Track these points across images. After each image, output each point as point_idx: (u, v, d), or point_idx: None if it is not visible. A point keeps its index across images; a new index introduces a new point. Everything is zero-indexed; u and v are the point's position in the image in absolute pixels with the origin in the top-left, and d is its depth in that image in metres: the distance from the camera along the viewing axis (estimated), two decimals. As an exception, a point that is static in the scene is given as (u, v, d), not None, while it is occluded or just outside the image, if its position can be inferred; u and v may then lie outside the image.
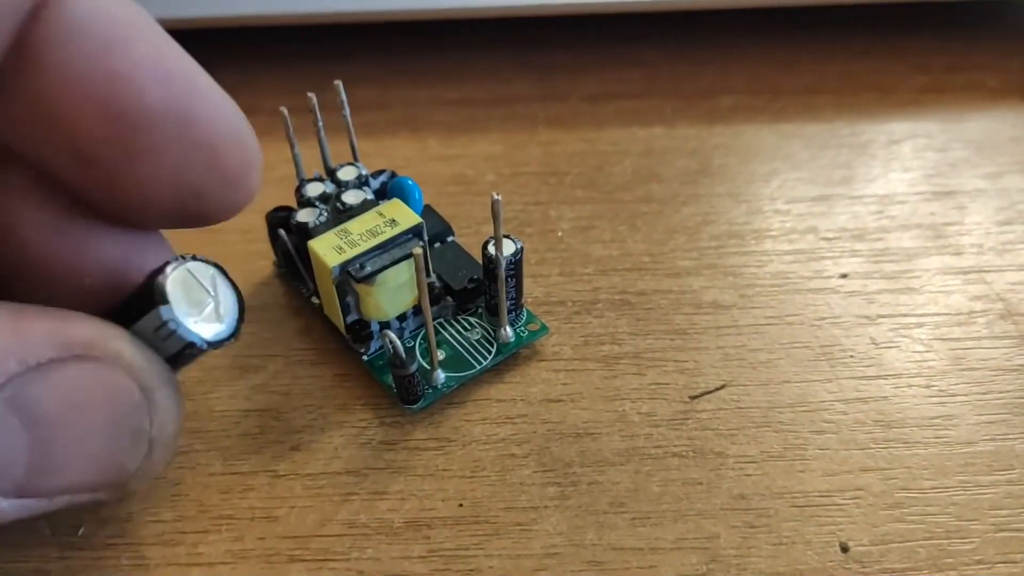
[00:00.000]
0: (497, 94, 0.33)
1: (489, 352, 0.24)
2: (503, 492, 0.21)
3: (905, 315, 0.25)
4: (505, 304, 0.23)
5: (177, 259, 0.18)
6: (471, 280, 0.24)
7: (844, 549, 0.20)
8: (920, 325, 0.25)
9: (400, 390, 0.22)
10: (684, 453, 0.22)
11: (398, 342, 0.21)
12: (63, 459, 0.17)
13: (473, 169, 0.30)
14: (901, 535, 0.21)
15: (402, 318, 0.24)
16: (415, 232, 0.22)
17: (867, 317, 0.25)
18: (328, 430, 0.23)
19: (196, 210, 0.18)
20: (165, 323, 0.17)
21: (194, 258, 0.18)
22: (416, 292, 0.22)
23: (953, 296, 0.26)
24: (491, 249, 0.23)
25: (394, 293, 0.22)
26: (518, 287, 0.24)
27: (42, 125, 0.17)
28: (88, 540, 0.21)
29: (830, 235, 0.27)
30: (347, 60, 0.35)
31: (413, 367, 0.22)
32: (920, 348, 0.24)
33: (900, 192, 0.29)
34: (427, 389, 0.23)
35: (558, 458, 0.22)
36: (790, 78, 0.34)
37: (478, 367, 0.23)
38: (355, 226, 0.22)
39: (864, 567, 0.20)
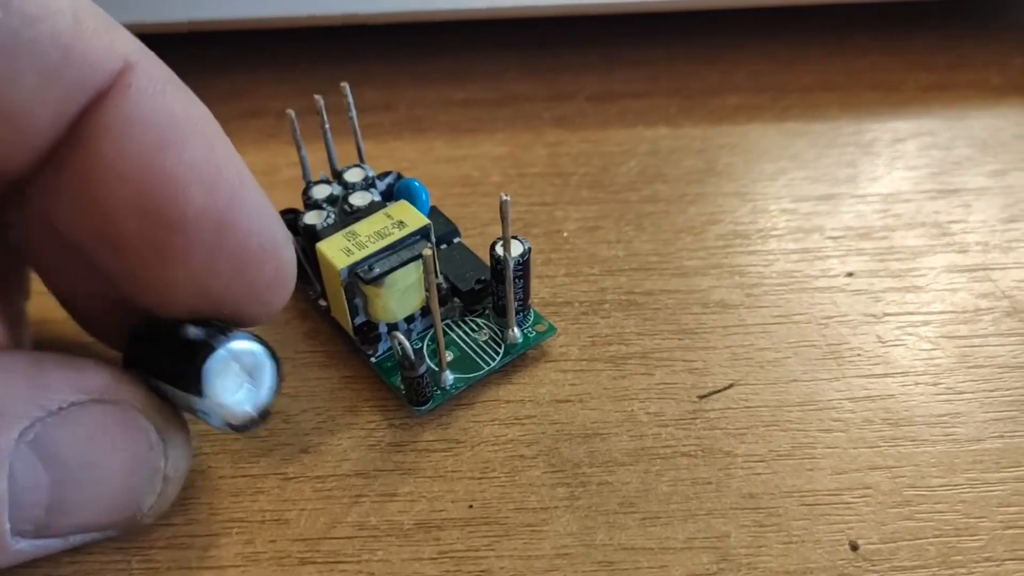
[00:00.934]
0: (502, 95, 0.33)
1: (497, 353, 0.24)
2: (513, 493, 0.22)
3: (912, 313, 0.25)
4: (513, 305, 0.23)
5: (223, 337, 0.18)
6: (478, 281, 0.24)
7: (854, 547, 0.20)
8: (927, 323, 0.25)
9: (409, 392, 0.22)
10: (693, 453, 0.22)
11: (407, 344, 0.21)
12: (82, 499, 0.18)
13: (479, 170, 0.30)
14: (910, 533, 0.21)
15: (410, 320, 0.24)
16: (423, 233, 0.23)
17: (873, 315, 0.25)
18: (337, 432, 0.23)
19: (220, 314, 0.19)
20: (198, 411, 0.18)
21: (241, 336, 0.19)
22: (424, 294, 0.23)
23: (959, 294, 0.26)
24: (499, 250, 0.23)
25: (402, 295, 0.22)
26: (525, 288, 0.24)
27: (83, 209, 0.17)
28: (98, 544, 0.21)
29: (836, 234, 0.27)
30: (353, 61, 0.35)
31: (422, 369, 0.22)
32: (927, 346, 0.24)
33: (905, 190, 0.29)
34: (436, 391, 0.23)
35: (567, 459, 0.22)
36: (795, 76, 0.34)
37: (486, 368, 0.23)
38: (363, 228, 0.23)
39: (874, 565, 0.20)
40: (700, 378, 0.24)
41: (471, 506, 0.21)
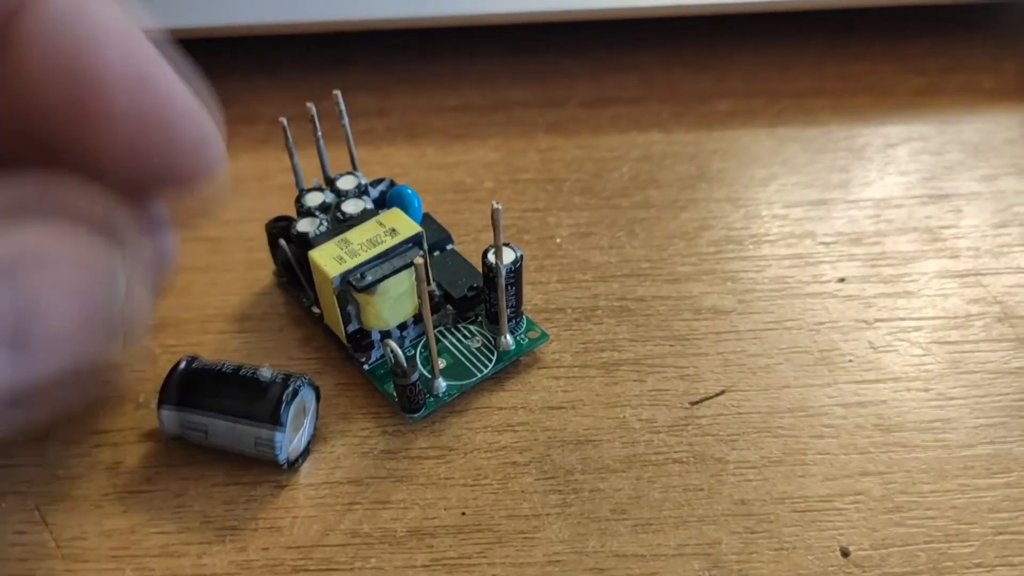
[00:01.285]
0: (495, 100, 0.33)
1: (489, 360, 0.24)
2: (505, 500, 0.22)
3: (903, 319, 0.25)
4: (505, 312, 0.23)
5: (297, 378, 0.22)
6: (471, 288, 0.24)
7: (845, 554, 0.20)
8: (918, 329, 0.25)
9: (402, 399, 0.23)
10: (685, 459, 0.22)
11: (399, 351, 0.21)
12: (47, 303, 0.17)
13: (471, 176, 0.30)
14: (901, 539, 0.21)
15: (402, 327, 0.24)
16: (415, 241, 0.23)
17: (865, 321, 0.25)
18: (330, 440, 0.23)
19: (157, 178, 0.19)
20: (264, 444, 0.21)
21: (306, 381, 0.22)
22: (416, 301, 0.23)
23: (950, 299, 0.26)
24: (491, 257, 0.23)
25: (395, 302, 0.22)
26: (518, 295, 0.24)
27: (11, 99, 0.18)
28: (93, 552, 0.21)
29: (827, 239, 0.28)
30: (346, 68, 0.35)
31: (415, 376, 0.22)
32: (918, 352, 0.24)
33: (896, 196, 0.29)
34: (428, 398, 0.23)
35: (559, 465, 0.22)
36: (787, 81, 0.34)
37: (479, 375, 0.24)
38: (355, 236, 0.23)
39: (865, 571, 0.20)
40: (692, 384, 0.24)
41: (464, 513, 0.21)
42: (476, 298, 0.24)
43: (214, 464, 0.22)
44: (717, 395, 0.24)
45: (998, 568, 0.20)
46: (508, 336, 0.24)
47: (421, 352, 0.24)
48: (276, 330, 0.26)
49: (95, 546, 0.21)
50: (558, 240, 0.28)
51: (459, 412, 0.23)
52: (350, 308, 0.23)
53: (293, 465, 0.22)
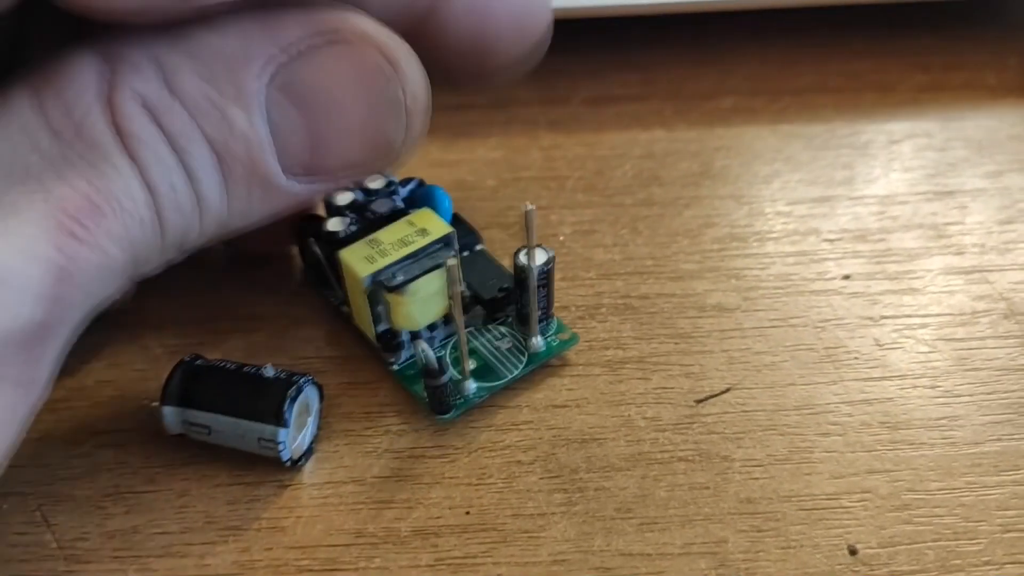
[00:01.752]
0: (497, 98, 0.33)
1: (520, 362, 0.24)
2: (510, 499, 0.21)
3: (909, 316, 0.25)
4: (536, 314, 0.23)
5: (300, 376, 0.22)
6: (501, 289, 0.24)
7: (852, 552, 0.20)
8: (924, 326, 0.25)
9: (432, 400, 0.22)
10: (690, 457, 0.22)
11: (431, 352, 0.21)
12: (337, 135, 0.20)
13: (473, 175, 0.30)
14: (909, 537, 0.21)
15: (431, 327, 0.24)
16: (446, 241, 0.22)
17: (871, 318, 0.25)
18: (333, 439, 0.23)
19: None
20: (267, 443, 0.21)
21: (310, 379, 0.22)
22: (447, 302, 0.23)
23: (956, 296, 0.26)
24: (523, 258, 0.23)
25: (425, 303, 0.22)
26: (549, 296, 0.24)
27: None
28: (95, 553, 0.21)
29: (832, 236, 0.27)
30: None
31: (446, 377, 0.22)
32: (924, 349, 0.24)
33: (901, 192, 0.29)
34: (458, 399, 0.23)
35: (564, 464, 0.22)
36: (790, 78, 0.34)
37: (509, 376, 0.23)
38: (385, 235, 0.22)
39: (872, 570, 0.20)
40: (697, 382, 0.24)
41: (468, 512, 0.21)
42: (506, 299, 0.24)
43: (217, 464, 0.22)
44: (722, 393, 0.23)
45: (1007, 566, 0.20)
46: (538, 338, 0.24)
47: (451, 353, 0.24)
48: (281, 330, 0.25)
49: (97, 547, 0.21)
50: (561, 238, 0.28)
51: (464, 411, 0.23)
52: (380, 308, 0.22)
53: (296, 464, 0.22)
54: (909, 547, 0.20)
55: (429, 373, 0.22)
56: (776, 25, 0.35)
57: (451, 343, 0.24)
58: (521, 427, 0.23)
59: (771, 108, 0.33)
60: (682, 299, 0.26)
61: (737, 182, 0.29)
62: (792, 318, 0.25)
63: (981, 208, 0.28)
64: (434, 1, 0.22)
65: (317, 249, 0.24)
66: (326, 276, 0.25)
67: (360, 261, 0.22)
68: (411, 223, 0.23)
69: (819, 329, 0.25)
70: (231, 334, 0.25)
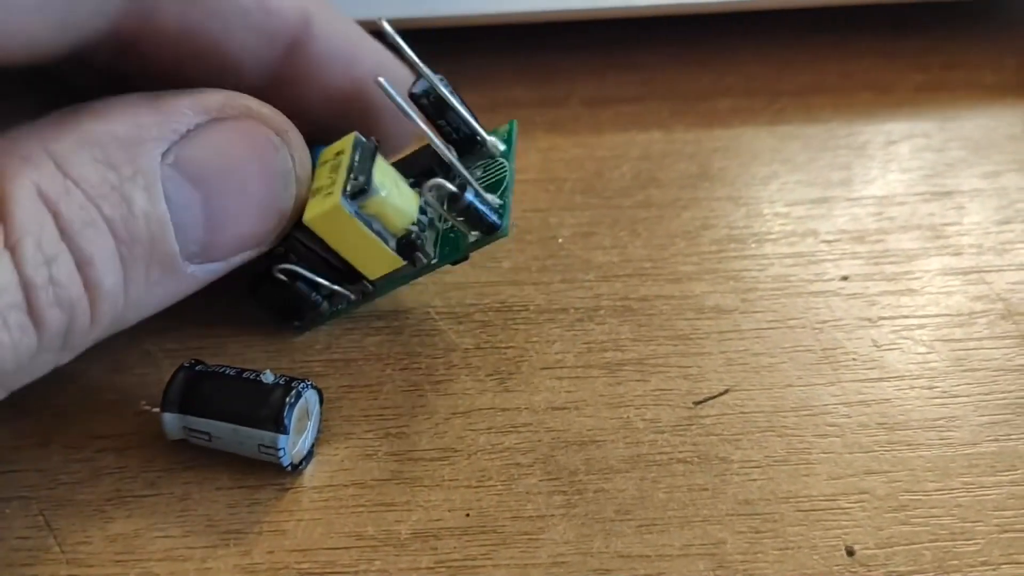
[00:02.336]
0: (495, 100, 0.33)
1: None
2: (509, 501, 0.22)
3: (906, 316, 0.25)
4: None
5: (300, 382, 0.22)
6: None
7: (850, 553, 0.20)
8: (922, 327, 0.25)
9: (476, 223, 0.23)
10: (689, 459, 0.22)
11: (441, 181, 0.22)
12: (233, 209, 0.20)
13: (473, 176, 0.30)
14: (906, 538, 0.21)
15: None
16: (358, 143, 0.22)
17: (868, 319, 0.25)
18: (333, 442, 0.23)
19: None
20: (267, 449, 0.21)
21: (308, 384, 0.22)
22: (408, 182, 0.23)
23: (954, 297, 0.26)
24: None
25: (397, 189, 0.22)
26: (459, 116, 0.24)
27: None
28: (97, 557, 0.21)
29: (830, 237, 0.27)
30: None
31: (470, 195, 0.22)
32: (922, 350, 0.24)
33: (899, 193, 0.29)
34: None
35: (564, 466, 0.22)
36: (787, 79, 0.34)
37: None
38: (319, 179, 0.22)
39: (870, 571, 0.20)
40: (695, 384, 0.24)
41: (468, 515, 0.21)
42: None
43: (217, 467, 0.22)
44: (720, 395, 0.24)
45: (1003, 567, 0.20)
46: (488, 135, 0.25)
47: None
48: (280, 333, 0.25)
49: (99, 551, 0.21)
50: (560, 240, 0.28)
51: (462, 413, 0.23)
52: (375, 225, 0.22)
53: (297, 468, 0.22)
54: (906, 548, 0.20)
55: (453, 199, 0.22)
56: (774, 26, 0.35)
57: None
58: (520, 429, 0.23)
59: (769, 109, 0.33)
60: (680, 301, 0.26)
61: (735, 183, 0.30)
62: (790, 319, 0.25)
63: (979, 209, 0.28)
64: (296, 41, 0.22)
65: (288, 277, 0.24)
66: (303, 304, 0.24)
67: (323, 203, 0.22)
68: (323, 161, 0.23)
69: (817, 330, 0.25)
70: (231, 338, 0.25)
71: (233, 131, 0.20)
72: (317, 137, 0.23)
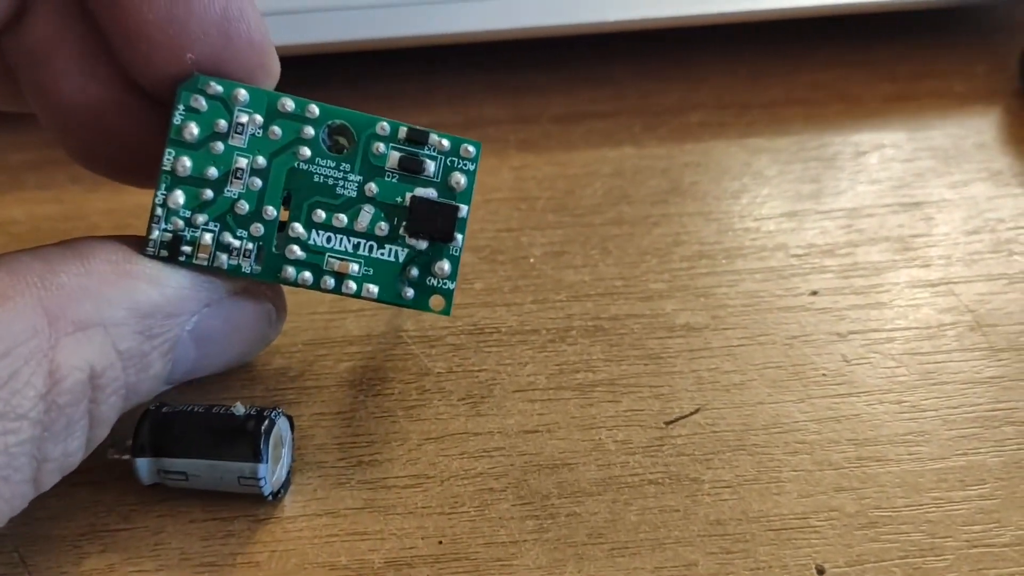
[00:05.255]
0: (468, 118, 0.34)
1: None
2: (482, 527, 0.22)
3: (875, 330, 0.25)
4: None
5: (272, 411, 0.22)
6: None
7: (820, 572, 0.21)
8: (890, 340, 0.25)
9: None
10: (660, 480, 0.22)
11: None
12: (214, 363, 0.22)
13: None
14: (876, 555, 0.21)
15: None
16: None
17: (838, 334, 0.25)
18: (306, 471, 0.23)
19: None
20: (257, 479, 0.21)
21: (280, 412, 0.22)
22: None
23: (922, 310, 0.26)
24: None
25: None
26: None
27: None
28: (71, 593, 0.21)
29: (800, 251, 0.28)
30: (319, 89, 0.35)
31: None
32: (891, 364, 0.25)
33: (868, 205, 0.29)
34: None
35: (536, 490, 0.22)
36: (758, 92, 0.34)
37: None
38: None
39: (840, 589, 0.20)
40: (667, 403, 0.24)
41: (441, 542, 0.21)
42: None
43: (191, 500, 0.22)
44: (692, 414, 0.24)
45: (972, 582, 0.20)
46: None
47: None
48: (254, 359, 0.25)
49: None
50: (531, 260, 0.28)
51: (435, 439, 0.23)
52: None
53: (277, 496, 0.22)
54: (876, 565, 0.21)
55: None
56: (744, 39, 0.36)
57: None
58: (493, 454, 0.23)
59: (740, 122, 0.33)
60: (651, 319, 0.26)
61: (706, 198, 0.30)
62: (760, 336, 0.25)
63: (947, 219, 0.29)
64: None
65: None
66: None
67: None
68: None
69: (787, 346, 0.25)
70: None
71: (246, 307, 0.22)
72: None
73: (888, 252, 0.28)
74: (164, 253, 0.21)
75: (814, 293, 0.26)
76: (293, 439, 0.23)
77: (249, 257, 0.21)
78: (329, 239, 0.22)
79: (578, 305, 0.27)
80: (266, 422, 0.21)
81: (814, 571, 0.21)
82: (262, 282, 0.22)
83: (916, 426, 0.23)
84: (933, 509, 0.22)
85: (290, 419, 0.23)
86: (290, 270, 0.22)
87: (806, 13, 0.34)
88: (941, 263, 0.27)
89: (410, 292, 0.22)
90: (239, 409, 0.22)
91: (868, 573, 0.21)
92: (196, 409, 0.22)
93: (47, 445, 0.18)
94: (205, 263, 0.21)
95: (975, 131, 0.32)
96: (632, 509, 0.22)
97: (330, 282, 0.22)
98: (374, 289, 0.22)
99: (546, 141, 0.32)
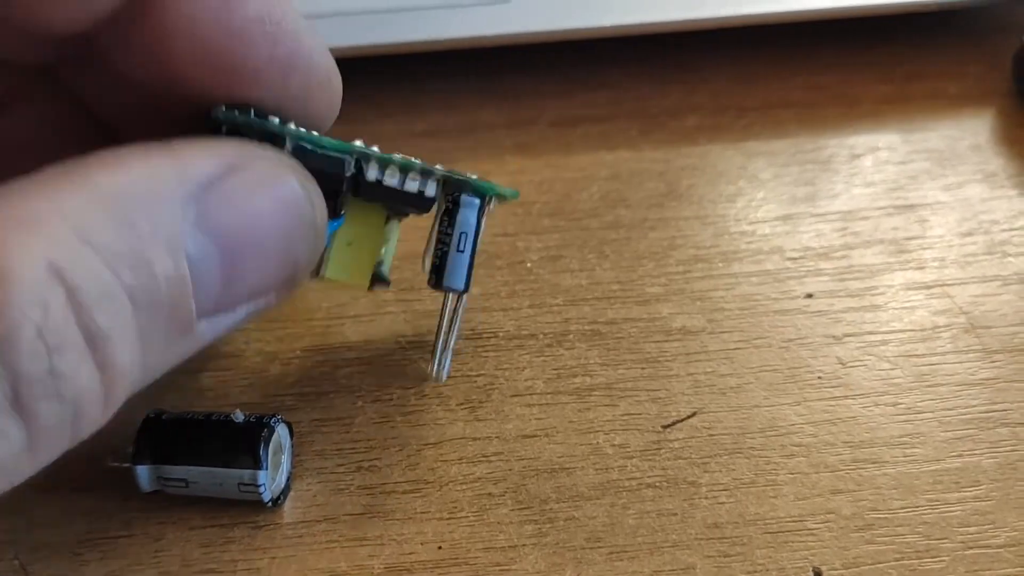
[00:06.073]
0: (464, 123, 0.34)
1: None
2: (481, 532, 0.22)
3: (871, 333, 0.26)
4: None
5: (272, 418, 0.22)
6: None
7: (817, 574, 0.21)
8: (885, 343, 0.25)
9: None
10: (658, 484, 0.23)
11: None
12: (252, 263, 0.19)
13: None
14: (872, 557, 0.21)
15: None
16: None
17: (833, 336, 0.26)
18: (306, 477, 0.23)
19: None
20: (257, 485, 0.21)
21: (279, 419, 0.22)
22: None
23: (917, 312, 0.26)
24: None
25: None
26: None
27: (154, 70, 0.19)
28: (72, 600, 0.21)
29: (795, 254, 0.28)
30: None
31: None
32: (886, 366, 0.25)
33: (863, 207, 0.29)
34: None
35: (534, 495, 0.22)
36: (754, 94, 0.34)
37: None
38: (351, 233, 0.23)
39: (836, 592, 0.20)
40: (664, 407, 0.24)
41: (440, 547, 0.22)
42: None
43: (191, 507, 0.22)
44: (688, 417, 0.24)
45: (968, 583, 0.20)
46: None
47: None
48: (252, 366, 0.26)
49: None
50: (528, 265, 0.28)
51: (434, 444, 0.24)
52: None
53: (277, 503, 0.22)
54: (872, 567, 0.21)
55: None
56: (740, 42, 0.36)
57: None
58: (491, 459, 0.23)
59: (736, 125, 0.33)
60: (648, 323, 0.26)
61: (702, 202, 0.30)
62: (756, 339, 0.26)
63: (941, 221, 0.29)
64: None
65: None
66: None
67: (351, 276, 0.23)
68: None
69: (783, 349, 0.25)
70: (202, 372, 0.25)
71: (260, 183, 0.19)
72: (186, 97, 0.20)
73: (883, 255, 0.28)
74: None
75: (809, 296, 0.27)
76: (292, 446, 0.23)
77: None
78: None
79: (575, 309, 0.27)
80: (265, 429, 0.21)
81: (811, 573, 0.21)
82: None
83: (911, 428, 0.23)
84: (929, 511, 0.22)
85: (289, 426, 0.23)
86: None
87: (801, 17, 0.34)
88: (935, 265, 0.27)
89: None
90: (238, 416, 0.22)
91: (864, 575, 0.21)
92: (195, 416, 0.22)
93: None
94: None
95: (969, 133, 0.32)
96: (630, 513, 0.22)
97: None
98: None
99: (542, 145, 0.33)
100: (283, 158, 0.20)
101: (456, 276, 0.23)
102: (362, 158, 0.22)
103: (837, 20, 0.35)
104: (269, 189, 0.19)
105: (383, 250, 0.23)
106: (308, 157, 0.21)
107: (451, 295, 0.23)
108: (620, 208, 0.30)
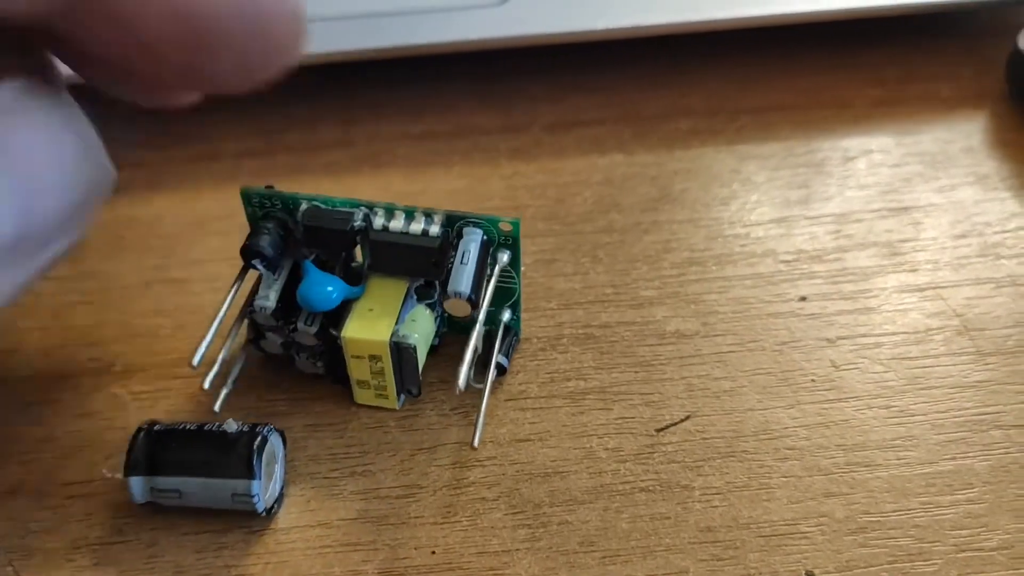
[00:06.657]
0: (458, 127, 0.34)
1: None
2: (475, 537, 0.22)
3: (864, 335, 0.26)
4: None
5: (265, 427, 0.22)
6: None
7: (810, 577, 0.21)
8: (878, 345, 0.25)
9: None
10: (651, 487, 0.23)
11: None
12: (50, 191, 0.17)
13: (436, 205, 0.30)
14: (865, 560, 0.21)
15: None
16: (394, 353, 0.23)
17: (827, 339, 0.26)
18: (299, 483, 0.23)
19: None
20: (250, 495, 0.21)
21: (272, 428, 0.22)
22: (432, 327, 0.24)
23: (910, 314, 0.26)
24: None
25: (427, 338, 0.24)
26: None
27: (117, 35, 0.17)
28: (66, 606, 0.21)
29: (788, 257, 0.28)
30: (311, 98, 0.35)
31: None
32: (879, 368, 0.25)
33: (856, 210, 0.29)
34: None
35: (528, 499, 0.22)
36: (747, 98, 0.34)
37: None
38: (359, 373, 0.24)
39: (829, 595, 0.20)
40: (657, 411, 0.24)
41: (434, 552, 0.22)
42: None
43: (184, 513, 0.22)
44: (682, 421, 0.24)
45: (961, 586, 0.21)
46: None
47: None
48: (246, 371, 0.26)
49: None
50: (523, 268, 0.28)
51: (427, 449, 0.24)
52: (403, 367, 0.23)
53: (271, 513, 0.22)
54: (865, 570, 0.21)
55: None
56: (733, 45, 0.36)
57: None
58: (485, 463, 0.23)
59: (729, 128, 0.33)
60: (642, 327, 0.26)
61: (695, 205, 0.30)
62: (750, 342, 0.26)
63: (934, 224, 0.29)
64: None
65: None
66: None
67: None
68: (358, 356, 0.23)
69: (777, 352, 0.25)
70: (196, 378, 0.25)
71: (43, 97, 0.18)
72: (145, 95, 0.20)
73: (876, 257, 0.28)
74: None
75: (803, 299, 0.27)
76: (286, 454, 0.23)
77: None
78: None
79: (569, 313, 0.27)
80: (258, 439, 0.21)
81: (804, 577, 0.21)
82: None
83: (904, 431, 0.23)
84: (921, 514, 0.22)
85: (282, 434, 0.23)
86: None
87: (793, 20, 0.34)
88: (929, 268, 0.27)
89: None
90: (231, 426, 0.22)
91: (857, 578, 0.21)
92: (188, 427, 0.22)
93: None
94: None
95: (962, 135, 0.32)
96: (623, 517, 0.22)
97: None
98: None
99: (537, 149, 0.33)
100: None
101: (459, 282, 0.23)
102: (369, 211, 0.24)
103: (829, 23, 0.35)
104: (57, 103, 0.18)
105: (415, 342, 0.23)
106: (322, 214, 0.23)
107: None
108: (613, 212, 0.30)
